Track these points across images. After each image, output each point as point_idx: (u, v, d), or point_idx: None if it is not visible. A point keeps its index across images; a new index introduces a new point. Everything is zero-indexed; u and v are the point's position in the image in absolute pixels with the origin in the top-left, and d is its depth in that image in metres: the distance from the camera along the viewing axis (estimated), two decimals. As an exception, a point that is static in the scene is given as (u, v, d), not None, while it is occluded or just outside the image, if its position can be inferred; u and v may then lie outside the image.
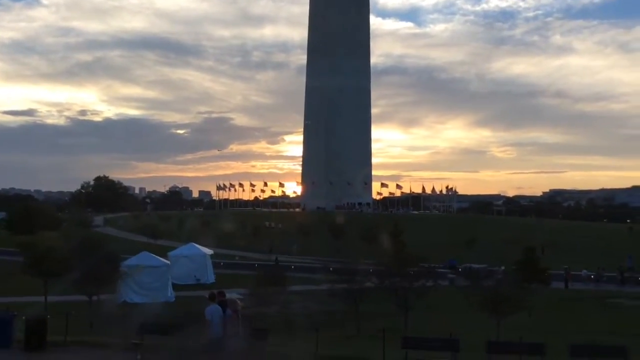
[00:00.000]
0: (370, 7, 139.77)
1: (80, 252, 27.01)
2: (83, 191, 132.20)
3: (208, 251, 48.00)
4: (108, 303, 28.13)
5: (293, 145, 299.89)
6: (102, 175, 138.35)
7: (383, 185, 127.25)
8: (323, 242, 64.18)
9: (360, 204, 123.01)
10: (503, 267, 39.51)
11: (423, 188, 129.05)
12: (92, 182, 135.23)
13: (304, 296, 35.23)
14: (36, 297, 35.35)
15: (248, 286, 27.28)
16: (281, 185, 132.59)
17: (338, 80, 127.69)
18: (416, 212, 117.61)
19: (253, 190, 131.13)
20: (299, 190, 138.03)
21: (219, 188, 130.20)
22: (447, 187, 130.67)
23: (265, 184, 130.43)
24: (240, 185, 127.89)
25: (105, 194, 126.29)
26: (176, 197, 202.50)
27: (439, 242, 62.32)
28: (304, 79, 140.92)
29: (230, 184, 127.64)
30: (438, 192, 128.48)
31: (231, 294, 18.66)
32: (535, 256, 34.61)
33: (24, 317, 16.66)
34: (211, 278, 45.96)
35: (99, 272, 24.75)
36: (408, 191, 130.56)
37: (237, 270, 51.56)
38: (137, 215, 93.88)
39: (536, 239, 64.58)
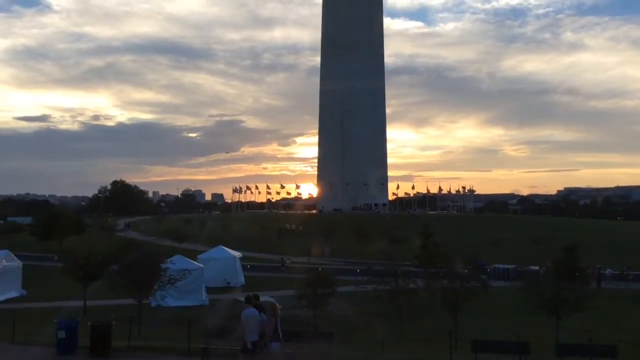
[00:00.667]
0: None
1: (123, 256, 27.12)
2: (100, 195, 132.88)
3: (237, 254, 48.19)
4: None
5: (304, 147, 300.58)
6: (118, 179, 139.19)
7: (399, 186, 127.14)
8: (347, 244, 64.06)
9: (376, 205, 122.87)
10: (543, 268, 39.09)
11: (439, 188, 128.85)
12: (109, 187, 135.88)
13: (336, 298, 35.27)
14: (74, 302, 35.69)
15: (294, 288, 27.26)
16: (297, 187, 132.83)
17: (352, 81, 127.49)
18: (433, 213, 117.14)
19: (269, 193, 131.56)
20: (312, 191, 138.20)
21: (234, 191, 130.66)
22: (463, 187, 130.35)
23: (282, 187, 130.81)
24: (257, 187, 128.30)
25: (123, 198, 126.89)
26: (190, 200, 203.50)
27: (462, 243, 61.95)
28: (314, 80, 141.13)
29: (247, 187, 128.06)
30: (454, 192, 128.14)
31: (263, 297, 18.60)
32: (576, 255, 34.23)
33: (89, 323, 16.70)
34: (241, 280, 46.14)
35: (147, 276, 24.84)
36: (424, 191, 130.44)
37: (266, 273, 51.79)
38: (159, 218, 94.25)
39: (563, 238, 64.36)
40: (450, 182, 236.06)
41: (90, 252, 31.70)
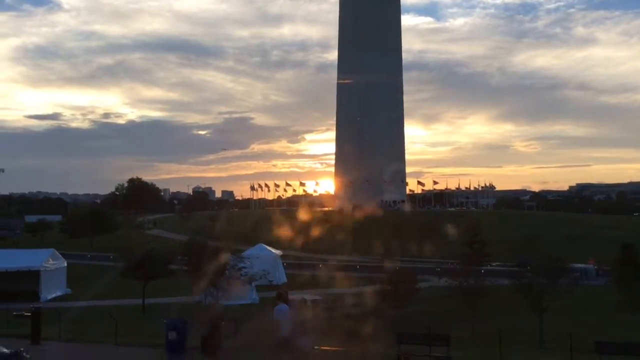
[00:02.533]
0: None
1: (191, 255, 26.93)
2: (117, 193, 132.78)
3: (277, 252, 48.08)
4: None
5: (314, 143, 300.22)
6: (134, 177, 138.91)
7: (420, 183, 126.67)
8: (381, 243, 63.54)
9: (395, 202, 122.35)
10: (595, 265, 38.74)
11: (458, 184, 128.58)
12: (125, 184, 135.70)
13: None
14: (127, 300, 35.59)
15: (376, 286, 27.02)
16: (317, 184, 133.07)
17: (370, 77, 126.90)
18: (453, 209, 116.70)
19: (286, 190, 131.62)
20: (327, 188, 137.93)
21: (252, 188, 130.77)
22: (483, 185, 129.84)
23: (302, 184, 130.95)
24: (276, 185, 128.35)
25: (140, 196, 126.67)
26: (202, 198, 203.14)
27: (499, 241, 61.37)
28: (323, 76, 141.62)
29: (266, 184, 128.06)
30: (473, 188, 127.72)
31: (294, 294, 18.24)
32: (635, 253, 33.81)
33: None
34: (282, 278, 45.98)
35: (218, 274, 24.67)
36: (442, 187, 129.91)
37: (304, 271, 51.56)
38: (185, 216, 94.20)
39: (598, 235, 64.02)
40: (461, 178, 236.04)
41: (148, 252, 31.59)
